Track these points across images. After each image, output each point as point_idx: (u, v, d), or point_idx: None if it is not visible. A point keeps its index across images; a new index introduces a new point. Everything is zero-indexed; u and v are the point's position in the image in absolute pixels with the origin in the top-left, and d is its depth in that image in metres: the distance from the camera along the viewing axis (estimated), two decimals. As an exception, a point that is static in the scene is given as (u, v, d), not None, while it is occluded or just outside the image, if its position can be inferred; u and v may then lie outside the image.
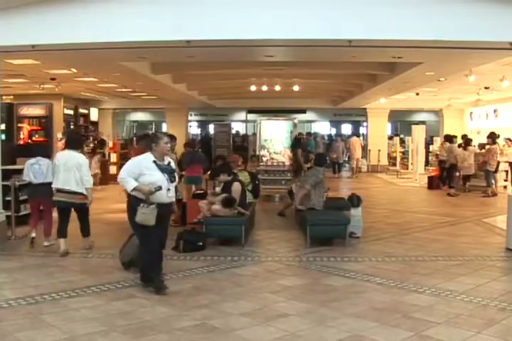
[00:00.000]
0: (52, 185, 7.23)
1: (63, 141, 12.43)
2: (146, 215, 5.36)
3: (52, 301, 5.20)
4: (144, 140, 10.94)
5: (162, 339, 4.30)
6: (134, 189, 5.42)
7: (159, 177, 5.49)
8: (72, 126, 20.04)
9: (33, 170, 7.57)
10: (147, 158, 5.59)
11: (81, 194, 7.19)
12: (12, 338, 4.25)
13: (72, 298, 5.31)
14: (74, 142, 7.74)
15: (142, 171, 5.47)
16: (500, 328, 4.52)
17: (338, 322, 4.66)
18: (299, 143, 12.98)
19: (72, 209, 7.48)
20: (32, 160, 7.65)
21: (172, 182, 5.63)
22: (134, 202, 5.49)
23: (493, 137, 14.47)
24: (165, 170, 5.57)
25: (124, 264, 6.30)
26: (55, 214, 7.62)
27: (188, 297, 5.40)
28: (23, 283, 5.82)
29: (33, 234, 7.66)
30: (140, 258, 5.77)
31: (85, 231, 7.59)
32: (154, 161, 5.53)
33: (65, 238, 7.22)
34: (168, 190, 5.57)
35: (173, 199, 5.86)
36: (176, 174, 5.89)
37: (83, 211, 7.51)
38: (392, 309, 5.03)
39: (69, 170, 7.12)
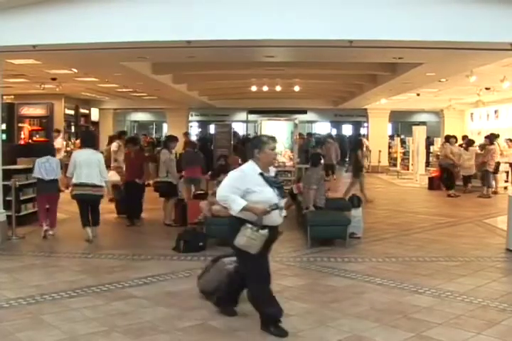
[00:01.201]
0: (74, 180, 7.96)
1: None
2: (253, 241, 4.25)
3: (52, 301, 5.20)
4: (131, 143, 10.09)
5: (162, 340, 4.30)
6: (243, 209, 4.27)
7: (269, 195, 4.36)
8: (72, 127, 20.08)
9: (45, 167, 8.28)
10: (252, 169, 4.42)
11: (101, 186, 8.06)
12: (12, 338, 4.25)
13: (72, 298, 5.31)
14: (90, 141, 8.68)
15: (249, 187, 4.33)
16: (500, 329, 4.52)
17: (339, 323, 4.66)
18: (359, 144, 13.06)
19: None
20: (42, 159, 8.34)
21: (283, 198, 4.57)
22: (237, 222, 4.42)
23: (490, 138, 14.51)
24: (274, 183, 4.45)
25: (205, 293, 5.21)
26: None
27: (189, 297, 5.40)
28: (23, 283, 5.82)
29: (45, 227, 8.21)
30: (251, 292, 4.58)
31: (96, 220, 8.26)
32: (261, 174, 4.40)
33: (90, 226, 8.06)
34: (281, 208, 4.47)
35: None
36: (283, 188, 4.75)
37: (98, 203, 8.30)
38: (392, 309, 5.02)
39: (91, 166, 7.97)
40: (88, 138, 8.92)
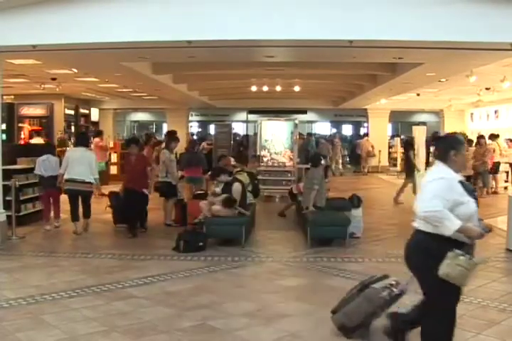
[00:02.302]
0: (66, 176, 8.49)
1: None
2: (463, 271, 3.36)
3: (52, 301, 5.20)
4: (133, 144, 9.08)
5: (162, 340, 4.30)
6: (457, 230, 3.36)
7: (474, 207, 3.55)
8: (72, 127, 20.10)
9: (44, 165, 8.94)
10: (451, 174, 3.58)
11: (91, 183, 8.60)
12: (12, 338, 4.25)
13: (72, 298, 5.31)
14: (83, 140, 9.23)
15: (456, 198, 3.47)
16: (500, 329, 4.52)
17: (339, 323, 4.65)
18: (411, 144, 13.17)
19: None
20: (43, 157, 9.03)
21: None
22: (432, 242, 3.51)
23: (491, 137, 14.64)
24: (471, 192, 3.62)
25: (346, 329, 4.37)
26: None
27: (188, 297, 5.40)
28: (23, 283, 5.82)
29: (56, 224, 9.02)
30: (429, 333, 3.66)
31: (87, 213, 8.79)
32: (461, 181, 3.57)
33: (78, 221, 8.60)
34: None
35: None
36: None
37: (88, 197, 8.80)
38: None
39: (83, 163, 8.51)
40: (82, 138, 9.52)
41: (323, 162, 9.01)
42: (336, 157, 20.87)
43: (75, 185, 8.47)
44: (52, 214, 9.14)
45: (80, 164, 8.47)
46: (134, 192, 8.62)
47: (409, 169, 12.77)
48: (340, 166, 21.47)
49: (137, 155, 9.10)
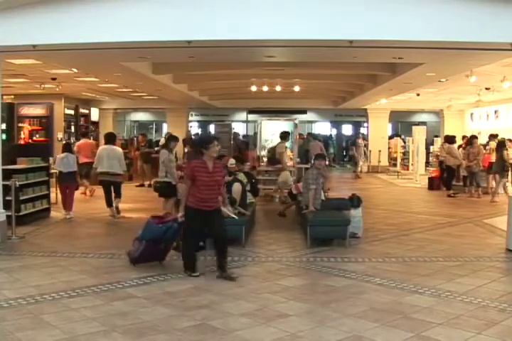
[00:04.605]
0: (99, 169, 10.08)
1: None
2: None
3: (52, 301, 5.20)
4: (216, 141, 6.19)
5: (162, 340, 4.30)
6: None
7: None
8: (72, 126, 20.11)
9: (63, 162, 10.21)
10: None
11: (120, 174, 10.19)
12: (13, 337, 4.25)
13: (72, 297, 5.31)
14: (112, 139, 10.61)
15: None
16: (500, 329, 4.51)
17: (338, 323, 4.65)
18: (503, 144, 13.64)
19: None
20: (62, 155, 10.36)
21: None
22: None
23: (491, 137, 14.72)
24: None
25: None
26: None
27: (188, 297, 5.40)
28: (23, 283, 5.82)
29: (68, 216, 10.01)
30: None
31: (118, 195, 10.24)
32: None
33: (112, 206, 10.09)
34: None
35: None
36: None
37: (118, 185, 10.26)
38: (392, 310, 5.02)
39: (112, 158, 10.04)
40: (110, 137, 10.77)
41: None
42: (360, 158, 20.82)
43: (107, 177, 10.00)
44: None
45: (109, 159, 10.00)
46: (210, 214, 6.16)
47: (502, 168, 13.15)
48: (361, 168, 21.40)
49: (215, 160, 6.28)
